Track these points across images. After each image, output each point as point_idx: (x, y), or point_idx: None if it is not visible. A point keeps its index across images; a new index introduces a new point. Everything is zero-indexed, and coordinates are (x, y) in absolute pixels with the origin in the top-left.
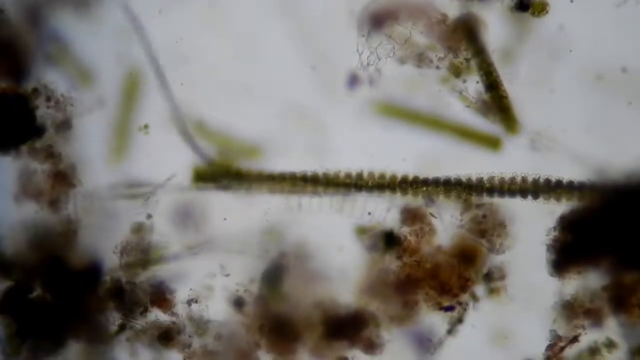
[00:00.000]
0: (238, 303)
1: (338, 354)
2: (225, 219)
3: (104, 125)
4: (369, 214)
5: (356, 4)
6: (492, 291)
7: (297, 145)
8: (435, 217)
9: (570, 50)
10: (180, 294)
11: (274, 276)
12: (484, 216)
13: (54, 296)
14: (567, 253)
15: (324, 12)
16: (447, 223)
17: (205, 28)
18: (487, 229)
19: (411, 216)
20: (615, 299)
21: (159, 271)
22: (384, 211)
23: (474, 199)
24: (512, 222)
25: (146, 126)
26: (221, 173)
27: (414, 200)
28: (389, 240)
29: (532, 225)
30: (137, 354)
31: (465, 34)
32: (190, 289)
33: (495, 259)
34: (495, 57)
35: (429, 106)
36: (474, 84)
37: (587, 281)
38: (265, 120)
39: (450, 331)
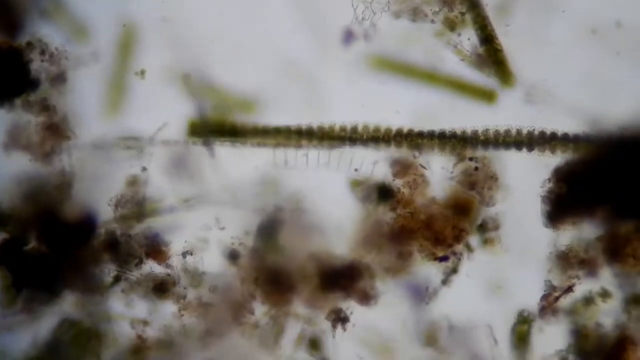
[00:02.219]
0: (233, 255)
1: (333, 305)
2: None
3: (98, 79)
4: (361, 167)
5: None
6: (486, 242)
7: (292, 99)
8: (425, 168)
9: (563, 11)
10: (175, 246)
11: (269, 229)
12: (476, 169)
13: (49, 248)
14: (561, 204)
15: None
16: (438, 175)
17: None
18: (478, 182)
19: (402, 168)
20: (609, 249)
21: (154, 223)
22: (377, 164)
23: (469, 151)
24: (504, 175)
25: (142, 72)
26: (216, 126)
27: (407, 152)
28: (383, 193)
29: (527, 177)
30: (132, 305)
31: None
32: (185, 242)
33: (490, 210)
34: (489, 11)
35: (424, 60)
36: (468, 37)
37: (581, 232)
38: (260, 75)
39: (444, 281)
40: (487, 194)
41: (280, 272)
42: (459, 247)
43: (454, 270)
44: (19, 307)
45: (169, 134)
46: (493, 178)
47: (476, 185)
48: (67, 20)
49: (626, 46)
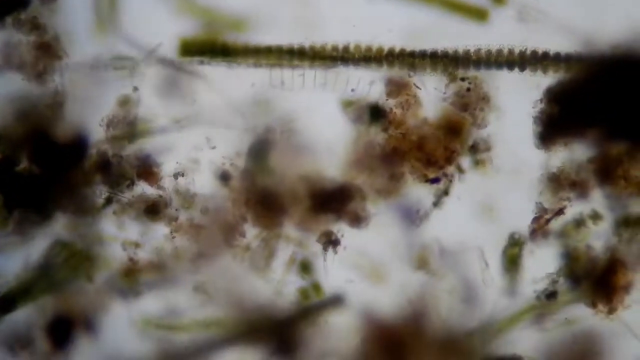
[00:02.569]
0: (224, 177)
1: (324, 227)
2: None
3: None
4: (353, 90)
5: None
6: (477, 163)
7: (283, 18)
8: (420, 88)
9: None
10: (167, 167)
11: (260, 150)
12: (468, 90)
13: (40, 169)
14: (553, 125)
15: None
16: (431, 95)
17: None
18: (470, 103)
19: (396, 88)
20: (601, 171)
21: (146, 144)
22: (369, 83)
23: (460, 71)
24: (497, 95)
25: None
26: (207, 45)
27: (399, 72)
28: (375, 113)
29: (519, 98)
30: (123, 227)
31: None
32: (177, 162)
33: (482, 131)
34: None
35: None
36: None
37: (573, 153)
38: None
39: (436, 203)
40: (479, 115)
41: (271, 193)
42: (451, 169)
43: (445, 192)
44: (11, 228)
45: (161, 53)
46: (485, 99)
47: (468, 107)
48: None
49: None
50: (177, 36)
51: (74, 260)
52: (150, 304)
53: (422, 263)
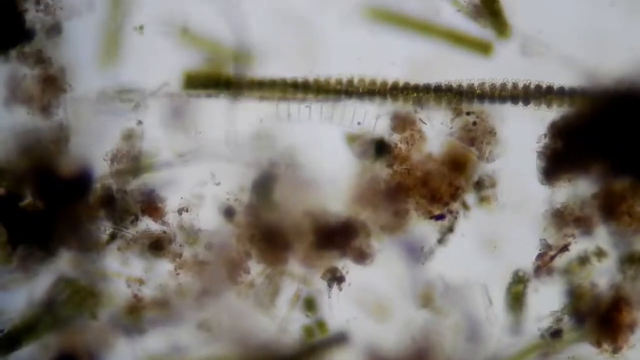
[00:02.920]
0: (228, 212)
1: (329, 263)
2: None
3: (94, 29)
4: (359, 123)
5: None
6: (482, 199)
7: (288, 50)
8: (425, 123)
9: None
10: (171, 203)
11: (264, 185)
12: (474, 123)
13: (45, 204)
14: (557, 160)
15: None
16: (437, 130)
17: None
18: (477, 137)
19: (401, 123)
20: (605, 207)
21: (150, 179)
22: (374, 118)
23: (465, 105)
24: (502, 129)
25: (141, 27)
26: (211, 79)
27: (404, 106)
28: (380, 148)
29: (523, 132)
30: (128, 264)
31: None
32: (181, 198)
33: (486, 167)
34: None
35: (420, 11)
36: None
37: (577, 189)
38: (256, 26)
39: (440, 240)
40: (486, 150)
41: (275, 229)
42: (455, 205)
43: (450, 229)
44: (15, 264)
45: (165, 87)
46: (492, 133)
47: (475, 141)
48: None
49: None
50: (181, 69)
51: (78, 297)
52: (155, 341)
53: (426, 300)
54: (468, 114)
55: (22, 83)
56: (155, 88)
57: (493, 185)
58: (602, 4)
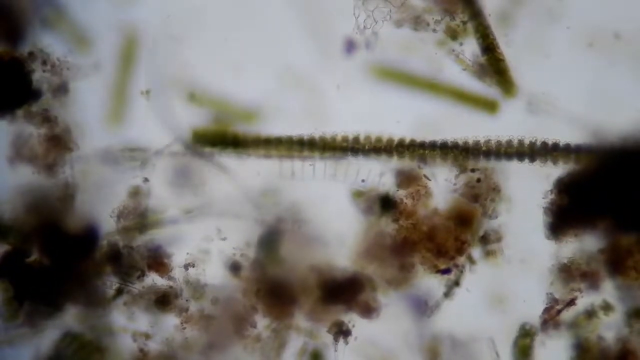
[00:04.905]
0: (235, 267)
1: (335, 317)
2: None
3: (100, 90)
4: (364, 180)
5: None
6: (488, 254)
7: (294, 109)
8: (430, 180)
9: (568, 27)
10: (177, 258)
11: (270, 240)
12: (478, 180)
13: (51, 260)
14: (563, 216)
15: None
16: (442, 186)
17: None
18: (481, 194)
19: (406, 179)
20: (611, 262)
21: (156, 235)
22: (379, 175)
23: (470, 162)
24: (507, 186)
25: (148, 92)
26: (218, 136)
27: (409, 163)
28: (385, 204)
29: (529, 189)
30: (134, 318)
31: None
32: (187, 253)
33: (492, 222)
34: (491, 20)
35: (425, 69)
36: (470, 47)
37: (583, 244)
38: (262, 85)
39: (447, 294)
40: (489, 206)
41: (281, 284)
42: (461, 260)
43: (456, 283)
44: (21, 320)
45: (171, 145)
46: (495, 190)
47: (479, 197)
48: (69, 30)
49: (625, 57)
50: (188, 127)
51: (84, 352)
52: None
53: (433, 354)
54: (472, 170)
55: (28, 142)
56: (162, 146)
57: (499, 239)
58: (609, 64)
